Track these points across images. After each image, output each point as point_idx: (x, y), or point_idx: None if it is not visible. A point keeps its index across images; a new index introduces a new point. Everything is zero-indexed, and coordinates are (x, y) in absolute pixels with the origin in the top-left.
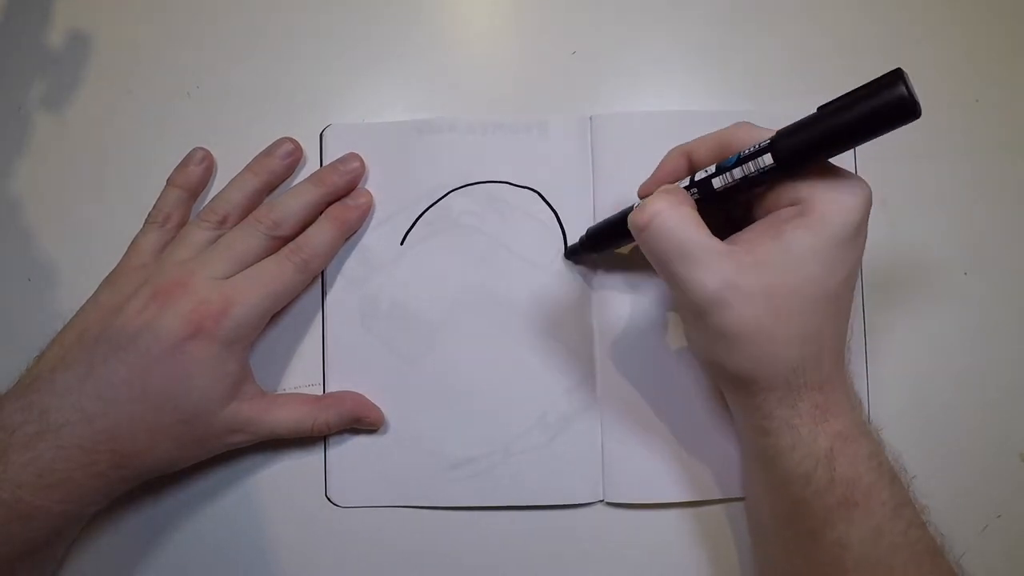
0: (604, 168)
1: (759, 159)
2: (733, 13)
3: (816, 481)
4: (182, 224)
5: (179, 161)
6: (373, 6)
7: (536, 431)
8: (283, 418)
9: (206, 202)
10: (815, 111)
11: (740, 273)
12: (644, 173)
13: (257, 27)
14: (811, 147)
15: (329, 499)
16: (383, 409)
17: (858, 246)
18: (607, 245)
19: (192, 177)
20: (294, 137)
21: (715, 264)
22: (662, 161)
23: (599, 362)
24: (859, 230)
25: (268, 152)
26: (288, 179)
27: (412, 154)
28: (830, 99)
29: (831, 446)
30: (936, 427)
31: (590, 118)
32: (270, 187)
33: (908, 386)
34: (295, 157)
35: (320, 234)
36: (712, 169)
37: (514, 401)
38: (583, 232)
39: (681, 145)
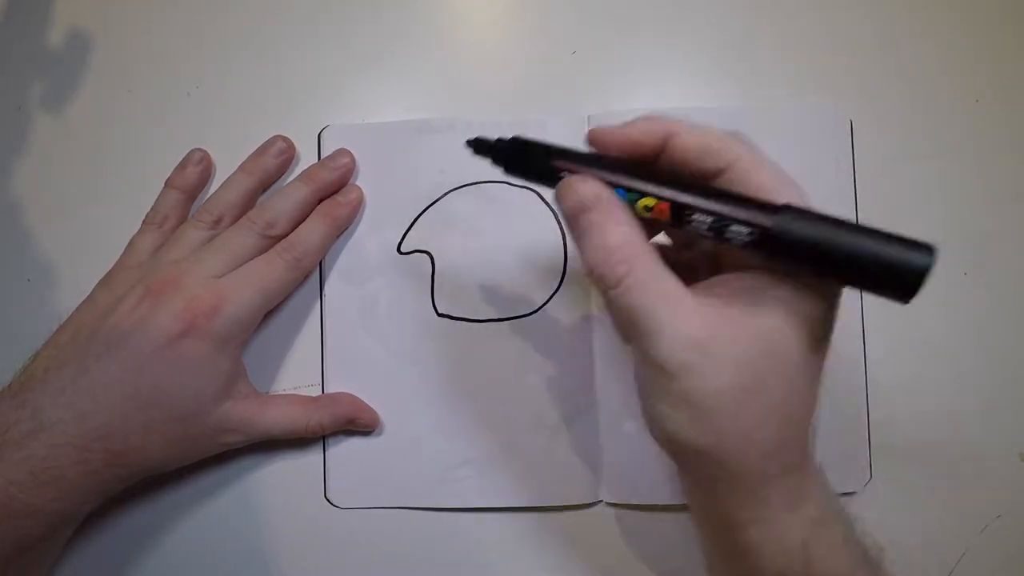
0: None
1: (735, 233)
2: (732, 13)
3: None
4: (179, 225)
5: (178, 161)
6: (373, 6)
7: (535, 432)
8: (276, 418)
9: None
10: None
11: (715, 338)
12: None
13: (256, 27)
14: (800, 258)
15: (329, 500)
16: (382, 410)
17: (834, 319)
18: (536, 174)
19: (190, 179)
20: (293, 137)
21: (687, 324)
22: (633, 124)
23: (598, 362)
24: (834, 313)
25: (261, 151)
26: (283, 177)
27: (410, 154)
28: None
29: (806, 537)
30: (936, 427)
31: (587, 117)
32: (264, 186)
33: (908, 386)
34: (288, 155)
35: (311, 231)
36: (706, 219)
37: (513, 402)
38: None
39: (664, 119)
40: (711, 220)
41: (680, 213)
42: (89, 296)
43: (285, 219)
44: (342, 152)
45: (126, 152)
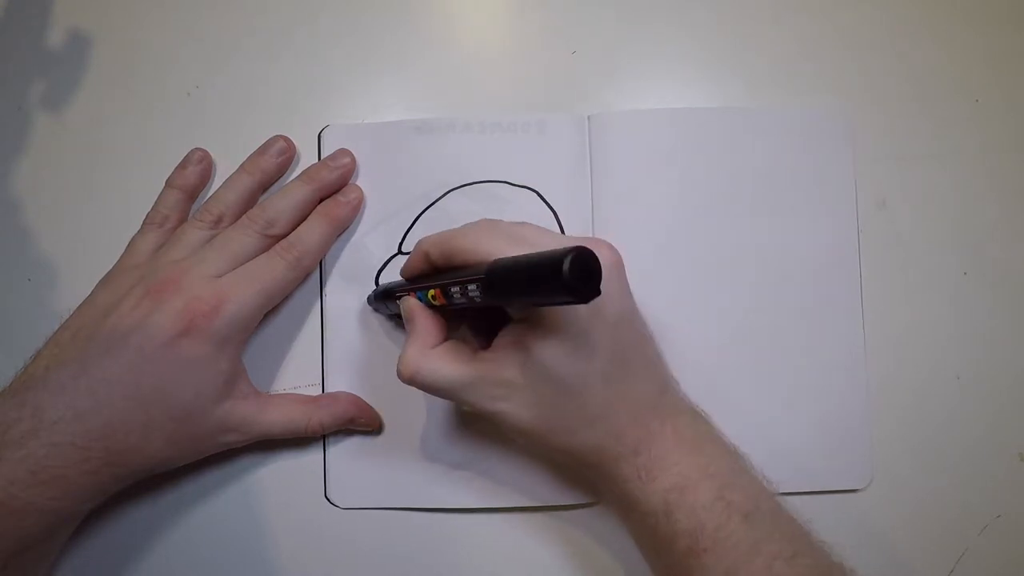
0: (602, 167)
1: (472, 293)
2: (732, 12)
3: (662, 533)
4: (180, 225)
5: (178, 161)
6: (372, 6)
7: None
8: (277, 418)
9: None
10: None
11: (502, 388)
12: (641, 172)
13: (256, 27)
14: (509, 295)
15: (329, 500)
16: (383, 410)
17: (606, 323)
18: (393, 299)
19: (190, 178)
20: (293, 137)
21: (479, 390)
22: (411, 254)
23: None
24: (597, 318)
25: (261, 151)
26: (283, 177)
27: (410, 154)
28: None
29: (665, 500)
30: (936, 427)
31: (588, 117)
32: (264, 186)
33: (908, 386)
34: (288, 155)
35: (311, 231)
36: (456, 290)
37: None
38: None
39: (427, 238)
40: (458, 290)
41: (446, 294)
42: (89, 296)
43: (285, 219)
44: (342, 152)
45: (126, 152)
